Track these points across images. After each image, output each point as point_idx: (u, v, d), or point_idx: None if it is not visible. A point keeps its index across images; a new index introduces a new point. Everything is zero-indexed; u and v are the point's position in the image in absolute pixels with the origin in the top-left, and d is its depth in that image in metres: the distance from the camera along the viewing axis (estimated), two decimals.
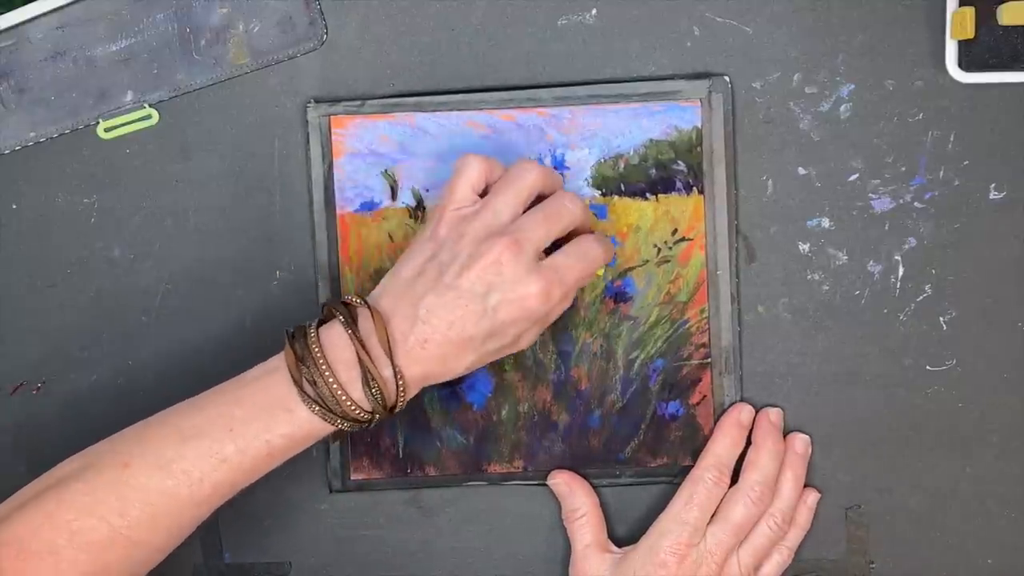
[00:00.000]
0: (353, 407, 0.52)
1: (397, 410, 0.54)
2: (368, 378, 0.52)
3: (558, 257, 0.55)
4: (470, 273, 0.53)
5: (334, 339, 0.53)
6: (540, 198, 0.56)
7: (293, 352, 0.53)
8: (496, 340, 0.54)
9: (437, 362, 0.53)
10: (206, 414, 0.53)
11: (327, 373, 0.52)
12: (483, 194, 0.56)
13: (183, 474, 0.52)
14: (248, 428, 0.52)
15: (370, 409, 0.53)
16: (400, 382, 0.53)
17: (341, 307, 0.54)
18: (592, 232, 0.58)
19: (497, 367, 0.63)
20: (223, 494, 0.53)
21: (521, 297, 0.53)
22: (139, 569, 0.53)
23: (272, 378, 0.53)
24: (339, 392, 0.52)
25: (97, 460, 0.52)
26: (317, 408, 0.52)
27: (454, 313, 0.53)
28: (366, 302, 0.54)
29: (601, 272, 0.62)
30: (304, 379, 0.52)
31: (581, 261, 0.56)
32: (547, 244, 0.55)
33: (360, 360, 0.52)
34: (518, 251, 0.53)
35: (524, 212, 0.55)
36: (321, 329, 0.54)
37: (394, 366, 0.52)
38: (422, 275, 0.54)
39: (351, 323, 0.53)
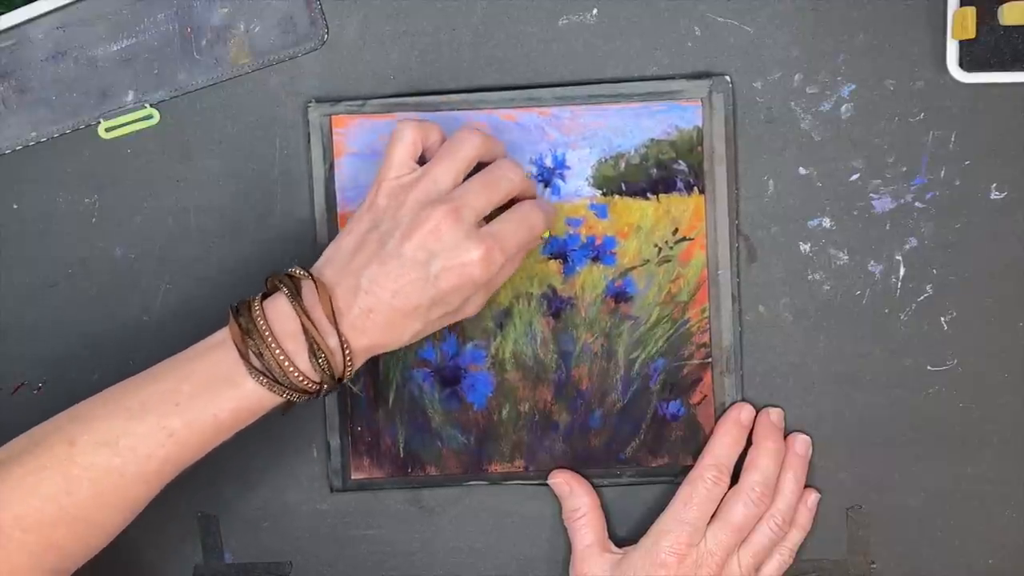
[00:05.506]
0: (300, 378, 0.52)
1: (344, 380, 0.54)
2: (314, 348, 0.52)
3: (498, 224, 0.55)
4: (411, 241, 0.53)
5: (279, 311, 0.53)
6: (482, 165, 0.56)
7: (238, 325, 0.53)
8: (440, 307, 0.54)
9: (383, 331, 0.53)
10: (152, 390, 0.53)
11: (273, 344, 0.52)
12: (422, 160, 0.56)
13: (129, 451, 0.51)
14: (195, 402, 0.52)
15: (317, 379, 0.53)
16: (347, 352, 0.53)
17: (285, 279, 0.54)
18: (533, 198, 0.58)
19: (498, 367, 0.63)
20: (170, 471, 0.53)
21: (462, 263, 0.53)
22: (90, 547, 0.53)
23: (218, 352, 0.53)
24: (285, 363, 0.52)
25: (42, 439, 0.52)
26: (264, 380, 0.52)
27: (397, 282, 0.53)
28: (310, 273, 0.54)
29: (546, 234, 0.62)
30: (250, 351, 0.52)
31: (520, 226, 0.55)
32: (487, 212, 0.55)
33: (305, 330, 0.52)
34: (457, 218, 0.53)
35: (464, 180, 0.55)
36: (265, 302, 0.54)
37: (340, 335, 0.52)
38: (364, 245, 0.54)
39: (295, 294, 0.53)
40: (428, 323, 0.54)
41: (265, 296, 0.54)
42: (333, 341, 0.53)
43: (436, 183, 0.54)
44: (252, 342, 0.52)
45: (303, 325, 0.52)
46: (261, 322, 0.52)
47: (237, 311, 0.53)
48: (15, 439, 0.53)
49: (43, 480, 0.51)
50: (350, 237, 0.55)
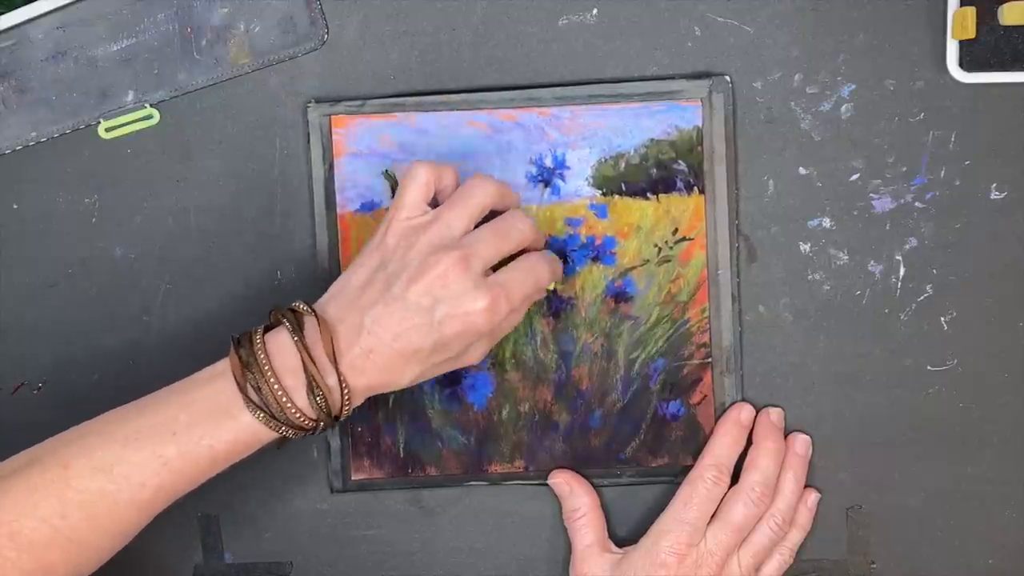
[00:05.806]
0: (297, 414, 0.52)
1: (341, 418, 0.54)
2: (313, 386, 0.52)
3: (505, 273, 0.55)
4: (417, 286, 0.52)
5: (280, 346, 0.53)
6: (494, 213, 0.56)
7: (238, 357, 0.52)
8: (441, 353, 0.54)
9: (382, 373, 0.53)
10: (149, 418, 0.53)
11: (272, 380, 0.52)
12: (434, 203, 0.56)
13: (123, 478, 0.51)
14: (191, 433, 0.52)
15: (314, 417, 0.53)
16: (345, 391, 0.53)
17: (288, 314, 0.54)
18: (542, 250, 0.58)
19: (498, 367, 0.63)
20: (163, 499, 0.53)
21: (466, 312, 0.53)
22: (83, 569, 0.53)
23: (217, 384, 0.53)
24: (284, 399, 0.52)
25: (39, 460, 0.52)
26: (261, 415, 0.52)
27: (400, 325, 0.52)
28: (313, 310, 0.54)
29: (551, 287, 0.62)
30: (249, 385, 0.52)
31: (528, 277, 0.56)
32: (495, 261, 0.55)
33: (305, 368, 0.52)
34: (465, 267, 0.53)
35: (475, 227, 0.55)
36: (267, 335, 0.53)
37: (339, 375, 0.52)
38: (370, 284, 0.54)
39: (297, 330, 0.53)
40: (428, 367, 0.54)
41: (268, 328, 0.54)
42: (332, 380, 0.52)
43: (448, 228, 0.54)
44: (251, 375, 0.52)
45: (303, 362, 0.52)
46: (262, 355, 0.52)
47: (239, 342, 0.53)
48: (11, 458, 0.53)
49: (39, 501, 0.51)
50: (357, 274, 0.54)
